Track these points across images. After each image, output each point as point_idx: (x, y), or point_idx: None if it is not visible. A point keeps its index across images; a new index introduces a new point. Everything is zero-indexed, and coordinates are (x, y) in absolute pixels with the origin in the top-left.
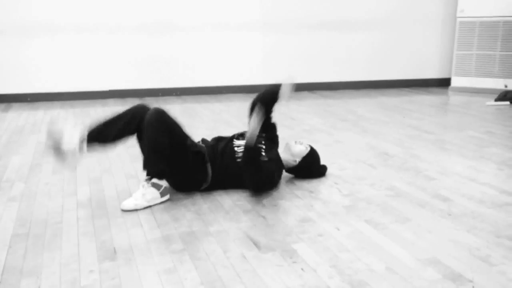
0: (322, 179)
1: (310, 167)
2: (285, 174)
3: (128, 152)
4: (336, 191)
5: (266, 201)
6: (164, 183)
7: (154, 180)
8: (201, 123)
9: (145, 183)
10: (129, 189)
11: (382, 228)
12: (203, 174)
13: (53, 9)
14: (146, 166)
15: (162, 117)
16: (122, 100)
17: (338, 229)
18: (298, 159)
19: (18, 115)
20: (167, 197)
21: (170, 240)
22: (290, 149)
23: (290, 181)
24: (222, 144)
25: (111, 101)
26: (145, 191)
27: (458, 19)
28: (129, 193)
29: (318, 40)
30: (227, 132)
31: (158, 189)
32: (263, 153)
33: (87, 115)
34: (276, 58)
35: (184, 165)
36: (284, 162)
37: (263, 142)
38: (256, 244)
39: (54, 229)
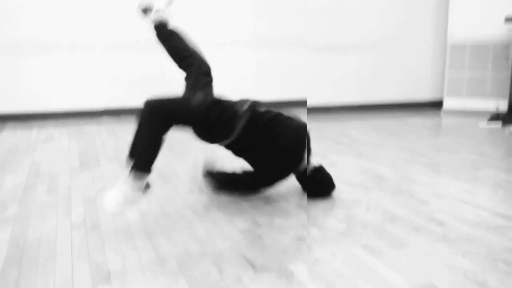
0: (317, 203)
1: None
2: (278, 193)
3: (123, 171)
4: (332, 216)
5: (262, 220)
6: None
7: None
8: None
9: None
10: (123, 209)
11: (378, 253)
12: (229, 128)
13: (46, 28)
14: (133, 155)
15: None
16: (116, 118)
17: (334, 255)
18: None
19: (12, 135)
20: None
21: (165, 261)
22: None
23: (284, 198)
24: (272, 118)
25: (105, 119)
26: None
27: (449, 42)
28: (123, 213)
29: (312, 62)
30: (222, 150)
31: (140, 185)
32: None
33: (81, 133)
34: (269, 77)
35: (208, 116)
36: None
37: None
38: (252, 265)
39: (48, 252)
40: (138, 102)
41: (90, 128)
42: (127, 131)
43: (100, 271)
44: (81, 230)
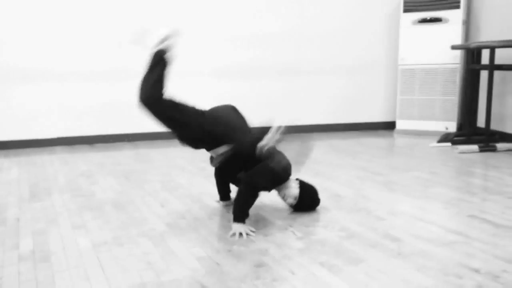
0: (276, 222)
1: (307, 201)
2: None
3: (75, 201)
4: (291, 234)
5: (219, 246)
6: None
7: None
8: (154, 169)
9: None
10: (75, 239)
11: (336, 270)
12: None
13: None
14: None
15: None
16: (70, 148)
17: (293, 273)
18: (295, 201)
19: None
20: None
21: None
22: (286, 191)
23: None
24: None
25: (58, 148)
26: None
27: (400, 67)
28: (76, 243)
29: (270, 85)
30: (181, 178)
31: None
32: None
33: (32, 163)
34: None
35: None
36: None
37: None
38: None
39: None
40: (93, 130)
41: (42, 158)
42: (80, 160)
43: None
44: (29, 262)
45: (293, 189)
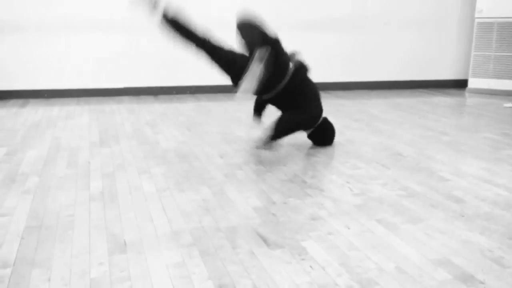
0: (333, 179)
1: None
2: (294, 172)
3: (141, 148)
4: (348, 190)
5: (276, 198)
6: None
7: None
8: (214, 121)
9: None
10: (141, 184)
11: (393, 228)
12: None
13: (67, 7)
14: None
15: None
16: (136, 98)
17: (348, 228)
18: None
19: (35, 111)
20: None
21: (180, 235)
22: None
23: (301, 179)
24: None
25: (125, 98)
26: None
27: (476, 20)
28: (141, 187)
29: (331, 39)
30: (240, 131)
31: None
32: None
33: (101, 111)
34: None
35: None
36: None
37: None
38: (265, 241)
39: (66, 222)
40: (158, 82)
41: (111, 107)
42: (145, 110)
43: (117, 241)
44: (99, 202)
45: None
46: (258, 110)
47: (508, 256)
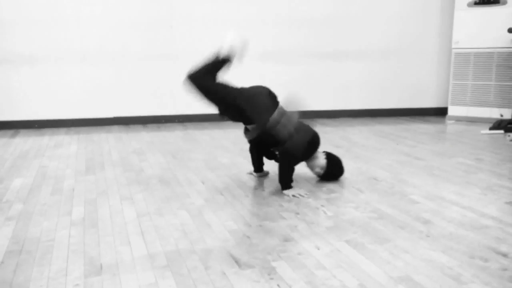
0: (310, 202)
1: (333, 171)
2: (271, 196)
3: (125, 175)
4: (321, 213)
5: (252, 221)
6: None
7: None
8: (199, 148)
9: None
10: (122, 209)
11: (360, 248)
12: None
13: (58, 38)
14: None
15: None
16: (125, 127)
17: (318, 248)
18: (322, 171)
19: (24, 141)
20: None
21: (155, 257)
22: (314, 161)
23: (277, 202)
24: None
25: (115, 127)
26: None
27: (453, 50)
28: (122, 212)
29: (317, 70)
30: (224, 158)
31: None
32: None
33: (90, 140)
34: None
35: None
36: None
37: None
38: (237, 262)
39: (46, 246)
40: (147, 111)
41: (100, 135)
42: (133, 138)
43: (93, 264)
44: (80, 227)
45: (320, 159)
46: (257, 163)
47: (467, 273)
